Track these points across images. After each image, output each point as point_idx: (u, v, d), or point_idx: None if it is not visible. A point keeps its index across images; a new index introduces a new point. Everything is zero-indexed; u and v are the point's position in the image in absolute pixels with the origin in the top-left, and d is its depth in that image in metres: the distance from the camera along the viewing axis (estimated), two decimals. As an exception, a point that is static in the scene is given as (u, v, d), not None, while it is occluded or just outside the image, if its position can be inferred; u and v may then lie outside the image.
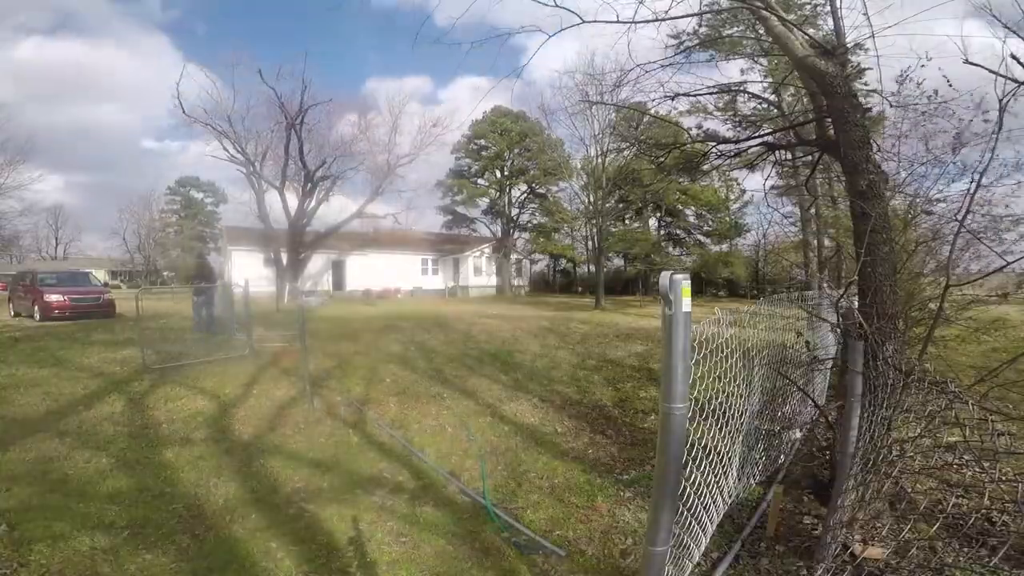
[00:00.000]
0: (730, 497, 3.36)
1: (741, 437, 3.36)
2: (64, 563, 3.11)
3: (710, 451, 2.81)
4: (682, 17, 5.28)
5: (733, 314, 3.18)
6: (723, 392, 2.94)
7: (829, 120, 4.30)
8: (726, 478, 3.19)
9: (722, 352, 2.79)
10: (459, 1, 5.54)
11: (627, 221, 37.56)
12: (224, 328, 10.64)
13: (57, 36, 79.79)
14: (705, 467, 2.75)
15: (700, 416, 3.02)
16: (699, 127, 20.03)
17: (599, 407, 6.91)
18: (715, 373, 2.73)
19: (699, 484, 2.75)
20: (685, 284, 1.71)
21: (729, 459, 3.21)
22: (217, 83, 21.51)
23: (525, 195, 41.69)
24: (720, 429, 2.96)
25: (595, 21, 4.97)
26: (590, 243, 31.97)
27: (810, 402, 4.61)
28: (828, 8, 6.30)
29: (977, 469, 2.89)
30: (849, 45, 5.19)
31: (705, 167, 8.35)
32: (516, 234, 41.25)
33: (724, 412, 3.02)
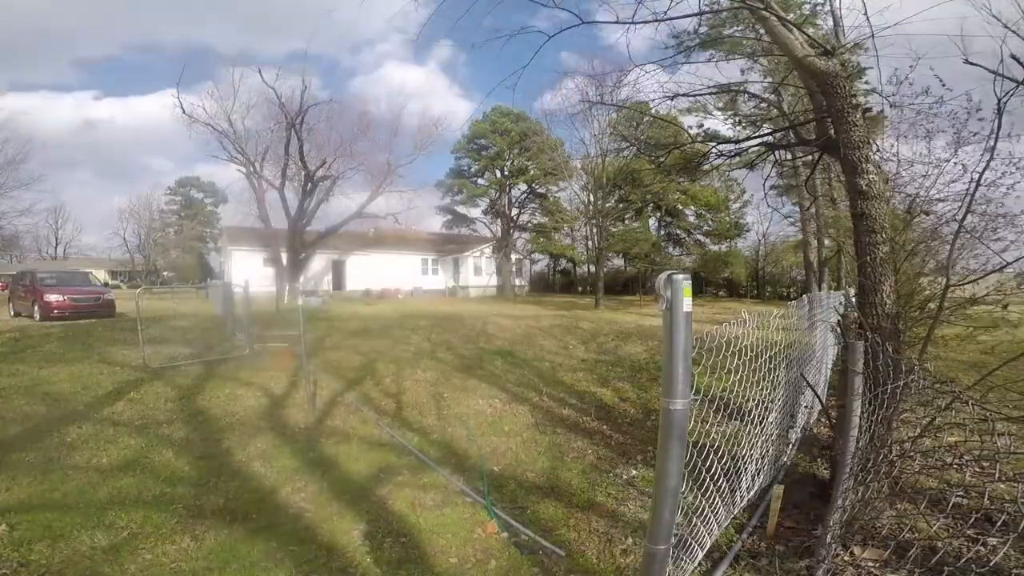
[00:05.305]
0: (742, 499, 3.35)
1: (760, 442, 3.35)
2: (64, 563, 3.11)
3: (723, 455, 2.80)
4: (682, 17, 5.29)
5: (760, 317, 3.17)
6: (747, 394, 2.94)
7: (829, 120, 4.30)
8: (739, 481, 3.17)
9: (748, 354, 2.78)
10: (460, 2, 5.55)
11: (627, 221, 37.52)
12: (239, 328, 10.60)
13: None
14: (717, 471, 2.74)
15: (714, 416, 3.04)
16: (699, 127, 20.02)
17: (600, 406, 6.91)
18: (741, 373, 2.73)
19: (710, 490, 2.74)
20: (686, 284, 1.72)
21: (745, 463, 3.21)
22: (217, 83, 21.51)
23: (525, 195, 41.66)
24: (741, 433, 2.96)
25: (595, 21, 4.99)
26: (590, 243, 31.97)
27: (807, 403, 4.61)
28: (828, 8, 6.31)
29: (977, 469, 2.89)
30: (849, 45, 5.19)
31: (705, 167, 8.35)
32: (516, 234, 41.23)
33: (752, 415, 3.01)
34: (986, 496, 2.56)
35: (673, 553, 2.16)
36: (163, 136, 73.60)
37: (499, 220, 41.53)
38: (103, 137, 78.86)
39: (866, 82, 9.33)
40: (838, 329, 5.60)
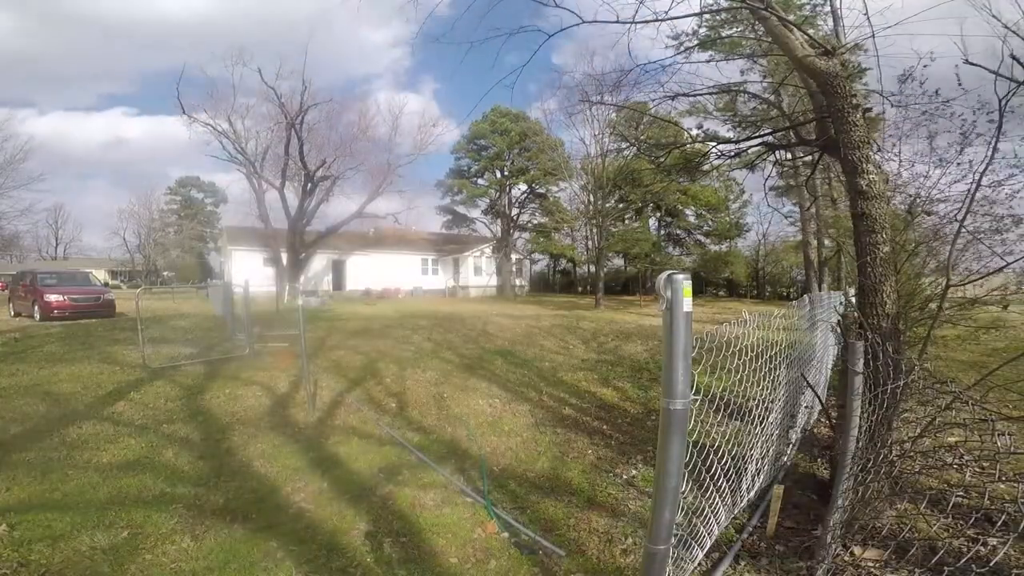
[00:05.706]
0: (742, 499, 3.34)
1: (760, 442, 3.35)
2: (64, 563, 3.11)
3: (723, 455, 2.80)
4: (682, 17, 5.29)
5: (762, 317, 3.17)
6: (747, 394, 2.93)
7: (829, 120, 4.30)
8: (739, 481, 3.17)
9: (748, 354, 2.77)
10: (460, 2, 5.56)
11: (627, 221, 37.53)
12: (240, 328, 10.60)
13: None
14: (717, 471, 2.74)
15: (714, 416, 3.03)
16: (699, 127, 19.98)
17: (601, 406, 6.92)
18: (740, 373, 2.73)
19: (710, 490, 2.74)
20: (686, 284, 1.72)
21: (745, 463, 3.21)
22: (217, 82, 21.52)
23: (525, 195, 41.67)
24: (741, 433, 2.95)
25: (595, 21, 4.98)
26: (590, 243, 31.96)
27: (807, 403, 4.61)
28: (828, 8, 6.31)
29: (977, 469, 2.89)
30: (849, 45, 5.19)
31: (705, 167, 8.36)
32: (516, 234, 41.22)
33: (752, 415, 3.00)
34: (986, 496, 2.56)
35: (673, 553, 2.16)
36: (178, 147, 75.58)
37: (499, 220, 41.52)
38: (127, 149, 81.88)
39: (864, 83, 9.33)
40: (838, 329, 5.60)
